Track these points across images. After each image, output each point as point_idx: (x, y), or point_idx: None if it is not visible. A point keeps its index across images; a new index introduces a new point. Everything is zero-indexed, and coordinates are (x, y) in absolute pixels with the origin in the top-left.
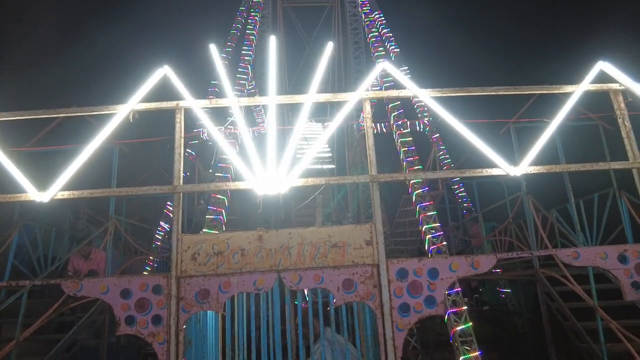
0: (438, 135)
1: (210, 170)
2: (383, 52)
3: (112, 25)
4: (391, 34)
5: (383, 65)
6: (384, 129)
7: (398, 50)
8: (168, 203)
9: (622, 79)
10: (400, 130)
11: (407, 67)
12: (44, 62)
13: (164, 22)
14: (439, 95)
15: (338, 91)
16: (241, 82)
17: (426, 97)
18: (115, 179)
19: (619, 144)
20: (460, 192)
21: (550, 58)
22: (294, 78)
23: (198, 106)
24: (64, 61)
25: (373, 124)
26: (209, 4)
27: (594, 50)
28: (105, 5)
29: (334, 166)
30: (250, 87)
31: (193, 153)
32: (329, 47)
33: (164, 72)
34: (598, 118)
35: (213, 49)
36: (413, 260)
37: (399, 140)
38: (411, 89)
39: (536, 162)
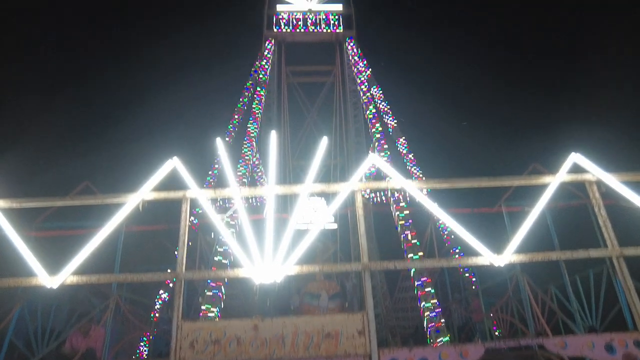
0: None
1: (212, 236)
2: (380, 129)
3: (126, 118)
4: (389, 108)
5: (372, 159)
6: (383, 198)
7: (396, 123)
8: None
9: (594, 170)
10: (398, 206)
11: (404, 138)
12: (59, 150)
13: (173, 111)
14: (426, 186)
15: (340, 163)
16: (246, 156)
17: (413, 188)
18: (119, 262)
19: (614, 216)
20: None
21: (533, 142)
22: (297, 151)
23: (203, 196)
24: (80, 149)
25: (372, 194)
26: (217, 87)
27: (570, 137)
28: (120, 99)
29: (336, 226)
30: (255, 159)
31: (196, 221)
32: (324, 142)
33: (173, 164)
34: (585, 198)
35: (219, 142)
36: (404, 351)
37: (395, 214)
38: (398, 180)
39: (526, 245)
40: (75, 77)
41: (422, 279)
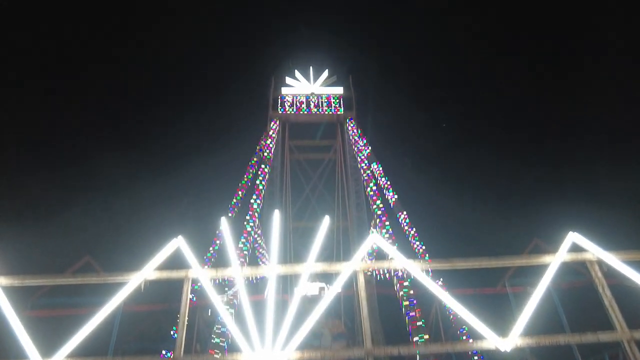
0: (441, 282)
1: (210, 313)
2: (381, 205)
3: (131, 193)
4: (390, 184)
5: (374, 239)
6: (386, 275)
7: (396, 198)
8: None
9: (594, 250)
10: (402, 281)
11: (405, 212)
12: (61, 223)
13: (177, 188)
14: (427, 267)
15: (342, 235)
16: (248, 232)
17: (414, 269)
18: (113, 343)
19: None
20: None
21: (533, 215)
22: (299, 232)
23: (205, 276)
24: (83, 223)
25: (374, 270)
26: (221, 164)
27: (570, 210)
28: (126, 175)
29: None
30: (256, 234)
31: (194, 299)
32: (326, 221)
33: (177, 243)
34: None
35: (224, 221)
36: None
37: (400, 292)
38: (400, 260)
39: (534, 326)
40: (81, 155)
41: None
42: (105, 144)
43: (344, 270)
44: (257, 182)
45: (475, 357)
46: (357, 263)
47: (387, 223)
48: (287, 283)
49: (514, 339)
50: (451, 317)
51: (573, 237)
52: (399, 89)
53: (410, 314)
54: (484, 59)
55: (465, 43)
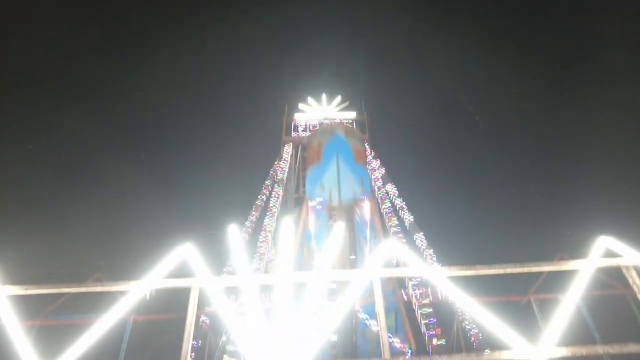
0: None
1: (224, 338)
2: (397, 222)
3: (142, 212)
4: (404, 204)
5: (390, 244)
6: (404, 297)
7: (412, 218)
8: None
9: (630, 254)
10: (420, 301)
11: (422, 233)
12: (73, 238)
13: (190, 210)
14: (449, 274)
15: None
16: (261, 249)
17: (436, 276)
18: (123, 354)
19: None
20: None
21: (557, 229)
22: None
23: (213, 285)
24: (95, 240)
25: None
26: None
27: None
28: (136, 186)
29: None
30: (270, 254)
31: (207, 321)
32: (340, 227)
33: (184, 251)
34: (623, 288)
35: (233, 229)
36: None
37: (418, 312)
38: (419, 267)
39: (562, 339)
40: (93, 171)
41: None
42: (121, 157)
43: (360, 277)
44: (270, 202)
45: None
46: (375, 270)
47: (404, 241)
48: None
49: (546, 347)
50: (472, 337)
51: (605, 241)
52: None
53: (430, 332)
54: (504, 59)
55: (486, 43)
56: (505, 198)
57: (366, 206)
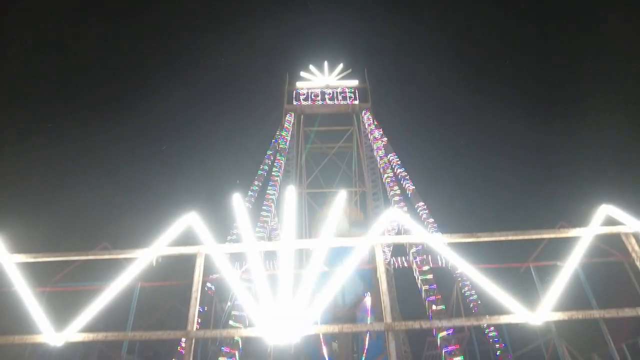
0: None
1: (229, 304)
2: (398, 191)
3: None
4: (406, 173)
5: (392, 211)
6: (405, 263)
7: (414, 187)
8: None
9: (630, 222)
10: (420, 267)
11: (424, 204)
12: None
13: (194, 166)
14: (449, 241)
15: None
16: (264, 218)
17: (437, 243)
18: (132, 318)
19: None
20: (491, 332)
21: (558, 198)
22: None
23: (218, 251)
24: (102, 210)
25: (393, 259)
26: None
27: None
28: (141, 156)
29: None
30: (273, 222)
31: (212, 287)
32: (342, 195)
33: (189, 219)
34: (622, 256)
35: (237, 197)
36: None
37: (419, 278)
38: (420, 234)
39: (560, 305)
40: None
41: (449, 347)
42: (126, 127)
43: (362, 244)
44: (273, 171)
45: (497, 343)
46: (376, 237)
47: (405, 210)
48: (302, 259)
49: (544, 312)
50: (472, 303)
51: (606, 209)
52: (419, 73)
53: (430, 297)
54: (508, 33)
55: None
56: (508, 167)
57: (368, 301)
